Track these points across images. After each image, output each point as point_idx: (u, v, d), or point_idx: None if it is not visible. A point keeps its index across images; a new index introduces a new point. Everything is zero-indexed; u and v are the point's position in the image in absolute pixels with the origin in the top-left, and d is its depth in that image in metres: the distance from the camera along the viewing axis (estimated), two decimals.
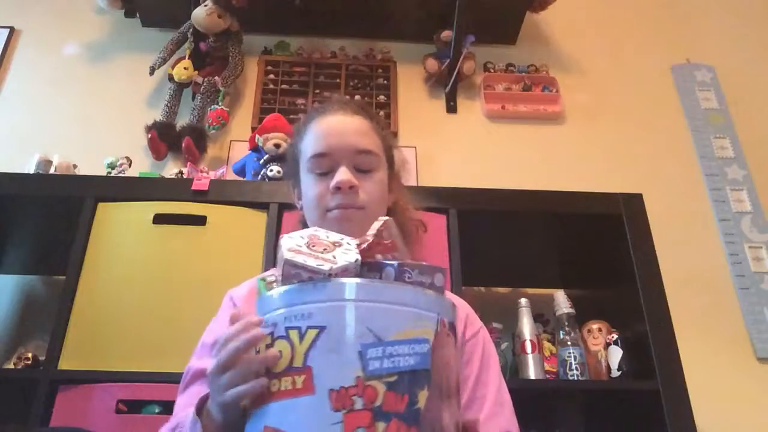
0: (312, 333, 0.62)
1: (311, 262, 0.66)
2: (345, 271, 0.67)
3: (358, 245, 0.72)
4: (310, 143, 0.99)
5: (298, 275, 0.66)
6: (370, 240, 0.73)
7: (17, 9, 2.45)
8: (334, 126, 0.99)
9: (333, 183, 0.94)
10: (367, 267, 0.71)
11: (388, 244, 0.75)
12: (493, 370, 0.96)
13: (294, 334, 0.63)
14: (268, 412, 0.62)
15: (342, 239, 0.73)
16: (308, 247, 0.69)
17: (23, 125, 2.17)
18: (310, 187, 0.98)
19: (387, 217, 0.77)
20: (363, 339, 0.61)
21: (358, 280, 0.66)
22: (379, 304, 0.64)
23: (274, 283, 0.71)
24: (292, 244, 0.70)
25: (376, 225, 0.76)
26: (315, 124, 1.01)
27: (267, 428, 0.62)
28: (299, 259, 0.67)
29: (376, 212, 0.95)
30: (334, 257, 0.68)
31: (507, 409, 0.93)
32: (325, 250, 0.70)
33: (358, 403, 0.59)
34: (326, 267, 0.66)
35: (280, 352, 0.63)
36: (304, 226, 1.02)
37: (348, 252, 0.70)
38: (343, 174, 0.94)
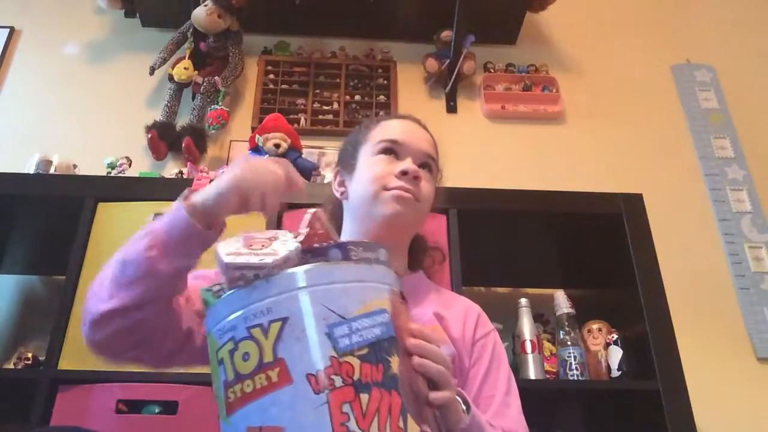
0: (276, 326, 0.63)
1: (253, 260, 0.67)
2: (288, 261, 0.68)
3: (294, 237, 0.74)
4: (383, 131, 1.04)
5: (243, 276, 0.67)
6: (305, 232, 0.76)
7: (17, 9, 2.45)
8: (409, 125, 1.08)
9: (401, 167, 0.98)
10: (312, 253, 0.72)
11: (322, 234, 0.79)
12: (503, 371, 0.97)
13: (257, 332, 0.63)
14: (246, 414, 0.62)
15: (277, 233, 0.74)
16: (246, 247, 0.71)
17: (23, 125, 2.17)
18: (372, 165, 1.00)
19: (315, 209, 0.83)
20: (328, 320, 0.63)
21: (308, 266, 0.67)
22: (334, 285, 0.66)
23: (221, 292, 0.71)
24: (229, 248, 0.71)
25: (306, 218, 0.80)
26: (390, 121, 1.08)
27: (249, 429, 0.61)
28: (240, 260, 0.68)
29: (424, 212, 1.02)
30: (274, 250, 0.69)
31: (514, 411, 0.93)
32: (263, 246, 0.71)
33: (338, 381, 0.60)
34: (269, 260, 0.67)
35: (247, 353, 0.63)
36: (332, 216, 1.05)
37: (286, 242, 0.71)
38: (411, 163, 0.99)
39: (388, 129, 1.05)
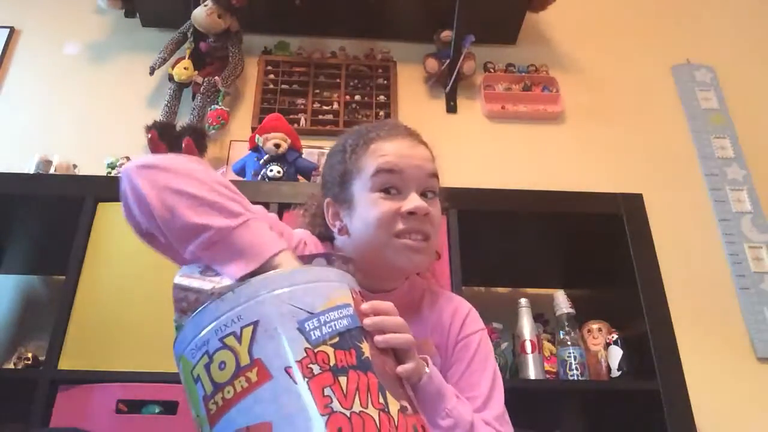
0: (248, 330, 0.65)
1: (196, 284, 0.71)
2: (229, 289, 0.70)
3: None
4: (376, 159, 0.93)
5: (185, 297, 0.71)
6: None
7: (17, 9, 2.45)
8: (404, 145, 0.96)
9: (408, 206, 0.90)
10: (302, 260, 0.78)
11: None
12: (486, 374, 0.94)
13: (231, 340, 0.65)
14: (230, 420, 0.63)
15: None
16: (201, 273, 0.74)
17: (23, 125, 2.17)
18: (373, 206, 0.91)
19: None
20: (297, 316, 0.66)
21: (269, 273, 0.71)
22: (297, 286, 0.69)
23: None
24: (186, 271, 0.75)
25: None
26: (379, 143, 0.95)
27: (238, 431, 0.62)
28: (185, 282, 0.72)
29: (436, 244, 0.96)
30: (221, 280, 0.72)
31: (494, 412, 0.91)
32: (217, 274, 0.74)
33: (316, 369, 0.63)
34: (208, 287, 0.71)
35: (223, 362, 0.65)
36: (314, 218, 1.03)
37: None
38: (417, 200, 0.91)
39: (381, 156, 0.93)
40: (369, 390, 0.64)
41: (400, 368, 0.73)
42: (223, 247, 0.73)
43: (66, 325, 1.34)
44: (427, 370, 0.80)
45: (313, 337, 0.65)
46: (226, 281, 0.72)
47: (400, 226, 0.90)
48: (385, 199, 0.91)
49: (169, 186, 0.74)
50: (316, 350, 0.64)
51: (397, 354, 0.75)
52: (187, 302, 0.71)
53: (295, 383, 0.62)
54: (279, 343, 0.64)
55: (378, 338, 0.71)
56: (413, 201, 0.91)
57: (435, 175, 0.98)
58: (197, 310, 0.68)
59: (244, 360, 0.64)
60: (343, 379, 0.63)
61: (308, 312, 0.67)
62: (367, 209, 0.92)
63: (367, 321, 0.71)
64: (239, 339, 0.65)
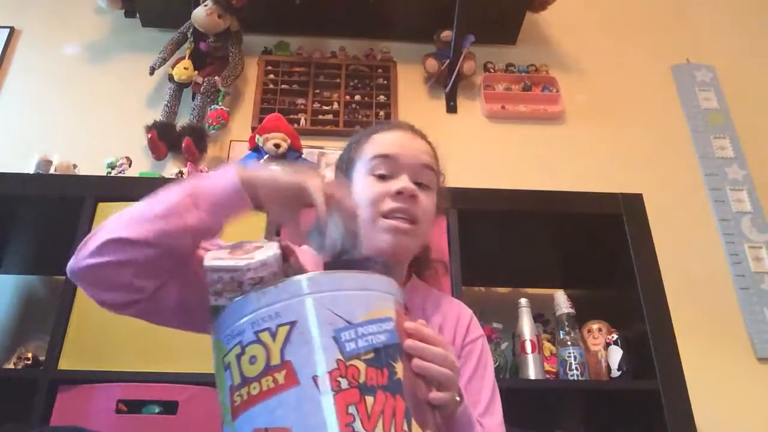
0: (284, 329, 0.64)
1: (230, 263, 0.69)
2: (265, 266, 0.69)
3: (278, 247, 0.75)
4: (375, 146, 1.00)
5: (220, 279, 0.69)
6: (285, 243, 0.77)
7: (17, 9, 2.45)
8: (402, 137, 1.02)
9: (396, 187, 0.94)
10: (342, 264, 0.76)
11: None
12: (488, 379, 0.96)
13: (265, 336, 0.64)
14: (252, 417, 0.63)
15: (264, 243, 0.75)
16: (230, 254, 0.73)
17: (23, 125, 2.17)
18: (366, 188, 0.96)
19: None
20: (335, 324, 0.64)
21: (316, 273, 0.69)
22: (341, 292, 0.67)
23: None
24: (214, 254, 0.73)
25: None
26: (381, 134, 1.02)
27: (256, 430, 0.62)
28: (216, 263, 0.70)
29: (423, 232, 0.99)
30: (252, 256, 0.71)
31: (496, 420, 0.92)
32: (246, 253, 0.72)
33: (344, 383, 0.61)
34: (243, 264, 0.69)
35: (254, 356, 0.64)
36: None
37: (268, 250, 0.73)
38: (407, 181, 0.95)
39: (380, 143, 1.00)
40: (394, 415, 0.62)
41: (435, 396, 0.69)
42: (204, 198, 0.74)
43: (66, 325, 1.33)
44: (458, 398, 0.76)
45: (348, 349, 0.63)
46: (259, 256, 0.70)
47: (388, 205, 0.94)
48: (378, 181, 0.96)
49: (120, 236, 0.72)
50: (348, 363, 0.62)
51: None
52: (222, 283, 0.69)
53: (321, 395, 0.61)
54: (312, 349, 0.63)
55: (417, 363, 0.68)
56: (402, 182, 0.95)
57: (431, 168, 1.00)
58: (238, 299, 0.67)
59: (275, 359, 0.63)
60: (369, 399, 0.61)
61: (347, 321, 0.64)
62: (361, 189, 0.97)
63: (408, 343, 0.68)
64: (273, 336, 0.64)
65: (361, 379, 0.62)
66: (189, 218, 0.74)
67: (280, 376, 0.62)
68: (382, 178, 0.96)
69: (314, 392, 0.61)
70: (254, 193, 0.76)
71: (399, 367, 0.65)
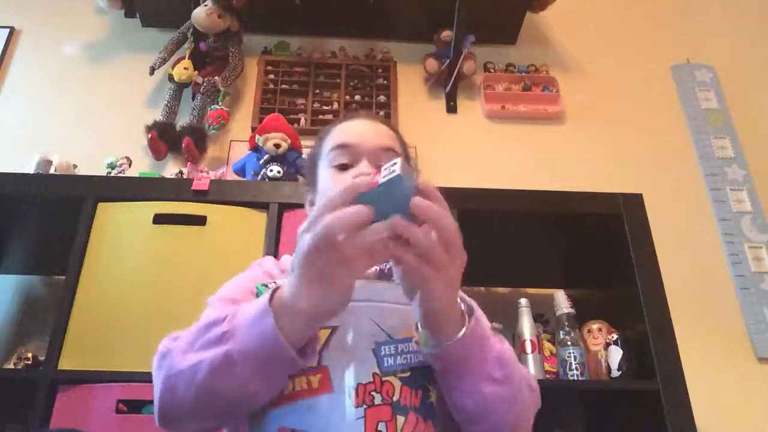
0: (325, 333, 0.63)
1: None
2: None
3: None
4: (334, 137, 0.98)
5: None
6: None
7: (17, 9, 2.45)
8: (359, 124, 0.99)
9: (353, 174, 0.90)
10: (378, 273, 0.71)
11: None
12: None
13: None
14: (282, 414, 0.62)
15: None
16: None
17: (23, 125, 2.17)
18: (326, 180, 0.93)
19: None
20: (376, 337, 0.63)
21: (363, 281, 0.66)
22: (385, 304, 0.65)
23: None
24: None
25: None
26: (341, 124, 1.02)
27: (282, 429, 0.61)
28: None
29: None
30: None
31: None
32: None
33: (378, 398, 0.60)
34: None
35: None
36: None
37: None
38: (364, 167, 0.90)
39: (338, 134, 0.98)
40: None
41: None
42: (244, 364, 0.59)
43: (66, 325, 1.33)
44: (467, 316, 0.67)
45: (386, 364, 0.62)
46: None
47: None
48: (338, 172, 0.93)
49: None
50: (383, 379, 0.61)
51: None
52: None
53: (352, 407, 0.59)
54: (350, 358, 0.61)
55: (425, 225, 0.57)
56: (359, 168, 0.90)
57: (392, 150, 0.94)
58: None
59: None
60: (401, 419, 0.59)
61: (389, 335, 0.63)
62: (324, 184, 0.94)
63: (415, 202, 0.57)
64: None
65: (395, 397, 0.60)
66: (252, 388, 0.60)
67: (315, 380, 0.61)
68: (343, 168, 0.92)
69: (346, 403, 0.59)
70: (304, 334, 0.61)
71: (433, 392, 0.63)
